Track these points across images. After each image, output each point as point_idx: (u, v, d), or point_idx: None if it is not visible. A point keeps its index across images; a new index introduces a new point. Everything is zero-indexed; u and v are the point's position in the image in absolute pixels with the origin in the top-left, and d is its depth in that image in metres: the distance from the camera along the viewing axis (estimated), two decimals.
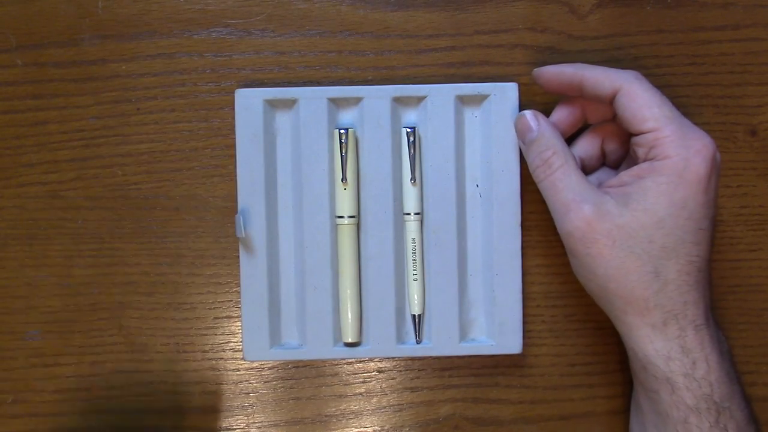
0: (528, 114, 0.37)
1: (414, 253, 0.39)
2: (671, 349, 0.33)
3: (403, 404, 0.41)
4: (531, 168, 0.36)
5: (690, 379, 0.33)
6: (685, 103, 0.40)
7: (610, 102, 0.35)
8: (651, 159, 0.33)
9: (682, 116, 0.34)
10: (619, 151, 0.38)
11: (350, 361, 0.41)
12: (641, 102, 0.33)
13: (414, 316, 0.39)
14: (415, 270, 0.39)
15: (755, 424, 0.34)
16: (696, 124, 0.40)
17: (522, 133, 0.37)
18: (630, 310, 0.33)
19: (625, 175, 0.34)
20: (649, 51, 0.40)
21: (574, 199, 0.34)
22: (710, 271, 0.34)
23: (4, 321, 0.40)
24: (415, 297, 0.39)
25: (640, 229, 0.33)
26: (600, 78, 0.34)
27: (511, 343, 0.39)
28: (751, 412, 0.34)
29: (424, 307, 0.39)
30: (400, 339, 0.39)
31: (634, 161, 0.35)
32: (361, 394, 0.41)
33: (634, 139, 0.34)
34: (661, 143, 0.33)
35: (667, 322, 0.33)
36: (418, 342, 0.39)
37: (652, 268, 0.33)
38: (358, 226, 0.39)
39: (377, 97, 0.38)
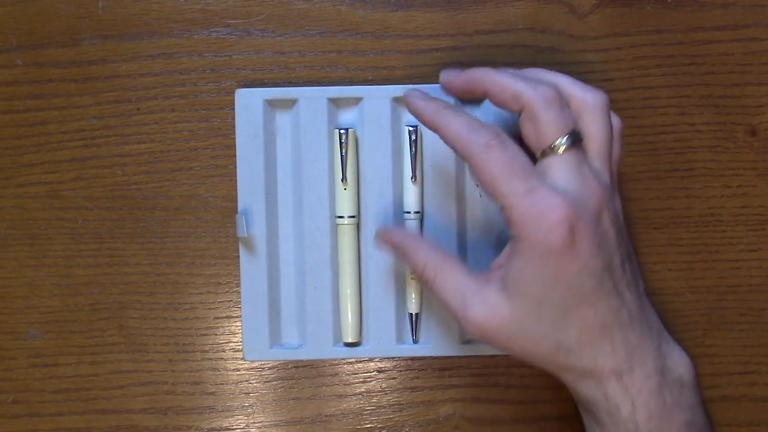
0: (385, 231, 0.36)
1: None
2: (594, 395, 0.33)
3: (403, 404, 0.41)
4: None
5: (613, 417, 0.33)
6: (685, 103, 0.40)
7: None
8: (511, 237, 0.33)
9: (532, 176, 0.32)
10: None
11: (350, 361, 0.41)
12: (486, 177, 0.32)
13: (411, 314, 0.39)
14: None
15: None
16: (696, 124, 0.40)
17: (394, 249, 0.36)
18: (550, 370, 0.34)
19: (503, 254, 0.34)
20: (649, 51, 0.40)
21: (458, 307, 0.33)
22: (635, 308, 0.33)
23: (4, 321, 0.40)
24: (413, 295, 0.39)
25: (525, 316, 0.32)
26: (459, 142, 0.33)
27: None
28: None
29: (422, 306, 0.39)
30: (400, 339, 0.39)
31: None
32: (361, 394, 0.41)
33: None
34: (515, 223, 0.32)
35: (584, 375, 0.33)
36: (415, 341, 0.39)
37: (552, 343, 0.32)
38: (358, 226, 0.39)
39: (377, 97, 0.38)
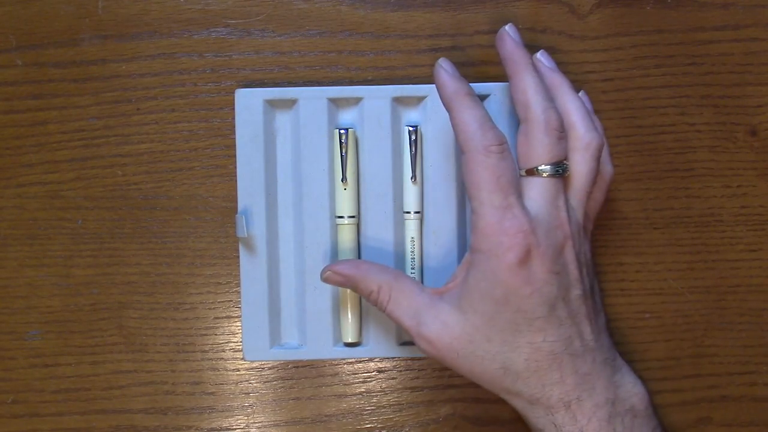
0: (330, 268, 0.35)
1: (413, 251, 0.39)
2: (544, 424, 0.34)
3: (403, 404, 0.41)
4: None
5: None
6: (685, 103, 0.40)
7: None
8: (470, 246, 0.33)
9: (513, 194, 0.32)
10: None
11: (350, 361, 0.41)
12: (473, 178, 0.32)
13: None
14: (413, 268, 0.39)
15: None
16: (696, 124, 0.40)
17: (344, 285, 0.36)
18: (499, 394, 0.34)
19: (460, 267, 0.34)
20: (649, 51, 0.40)
21: (412, 325, 0.34)
22: (587, 341, 0.34)
23: (4, 321, 0.40)
24: None
25: (475, 331, 0.33)
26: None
27: None
28: None
29: None
30: (400, 339, 0.39)
31: None
32: (361, 394, 0.41)
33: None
34: (478, 233, 0.32)
35: (532, 403, 0.34)
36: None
37: (500, 365, 0.33)
38: (358, 226, 0.39)
39: (377, 97, 0.38)
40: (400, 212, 0.39)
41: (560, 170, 0.33)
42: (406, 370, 0.41)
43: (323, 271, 0.36)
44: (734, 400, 0.41)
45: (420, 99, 0.39)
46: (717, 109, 0.40)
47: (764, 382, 0.41)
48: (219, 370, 0.41)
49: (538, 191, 0.33)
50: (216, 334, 0.41)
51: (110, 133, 0.40)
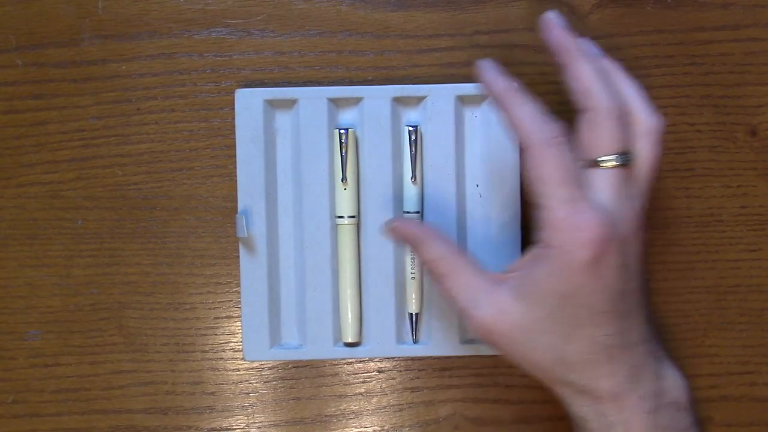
0: (399, 226, 0.35)
1: (413, 251, 0.39)
2: (587, 413, 0.33)
3: (403, 404, 0.41)
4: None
5: None
6: (685, 103, 0.40)
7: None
8: (539, 240, 0.32)
9: (579, 186, 0.31)
10: None
11: (350, 361, 0.41)
12: (538, 173, 0.31)
13: (411, 314, 0.39)
14: (413, 268, 0.39)
15: None
16: (696, 124, 0.40)
17: (406, 241, 0.35)
18: (547, 382, 0.34)
19: (524, 258, 0.33)
20: (649, 51, 0.40)
21: (467, 306, 0.33)
22: (638, 332, 0.34)
23: (4, 321, 0.40)
24: (413, 295, 0.39)
25: (535, 322, 0.32)
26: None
27: None
28: None
29: (422, 306, 0.39)
30: (400, 339, 0.39)
31: None
32: (361, 394, 0.41)
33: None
34: (548, 228, 0.31)
35: (581, 392, 0.33)
36: (415, 341, 0.39)
37: (555, 356, 0.32)
38: (358, 226, 0.39)
39: (377, 97, 0.38)
40: (400, 212, 0.39)
41: (627, 160, 0.32)
42: (406, 370, 0.41)
43: (388, 223, 0.35)
44: (734, 400, 0.41)
45: (420, 99, 0.39)
46: (717, 109, 0.40)
47: (764, 382, 0.41)
48: (219, 370, 0.41)
49: (605, 184, 0.32)
50: (216, 334, 0.41)
51: (110, 133, 0.40)
